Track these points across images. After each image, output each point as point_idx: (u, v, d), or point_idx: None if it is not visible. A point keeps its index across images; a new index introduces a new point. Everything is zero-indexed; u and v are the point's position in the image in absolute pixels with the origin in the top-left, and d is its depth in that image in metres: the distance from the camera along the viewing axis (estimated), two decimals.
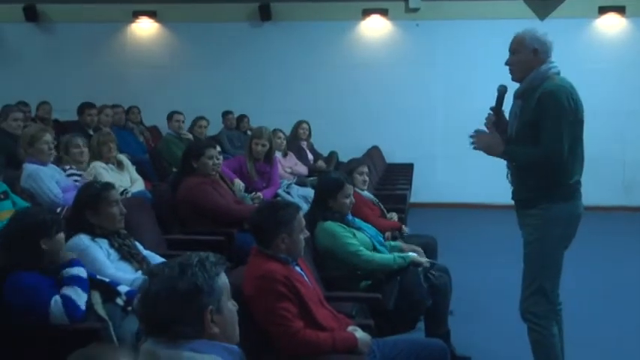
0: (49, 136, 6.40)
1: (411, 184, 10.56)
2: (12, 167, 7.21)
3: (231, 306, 2.46)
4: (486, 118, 4.42)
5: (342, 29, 12.31)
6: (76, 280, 3.93)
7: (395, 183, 9.82)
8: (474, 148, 4.35)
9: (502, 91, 4.43)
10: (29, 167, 6.22)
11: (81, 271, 3.98)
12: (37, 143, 6.28)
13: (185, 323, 2.29)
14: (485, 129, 4.43)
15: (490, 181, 6.59)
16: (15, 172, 6.85)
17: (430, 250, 5.85)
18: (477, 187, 11.45)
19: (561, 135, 4.10)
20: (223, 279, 2.42)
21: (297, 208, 3.96)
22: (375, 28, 12.35)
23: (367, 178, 6.27)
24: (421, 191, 11.25)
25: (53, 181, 6.18)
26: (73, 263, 4.00)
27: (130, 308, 4.03)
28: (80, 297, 3.87)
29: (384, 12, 12.22)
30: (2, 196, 5.71)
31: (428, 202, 11.42)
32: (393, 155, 11.84)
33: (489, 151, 4.31)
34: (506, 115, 4.50)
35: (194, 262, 2.37)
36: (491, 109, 4.42)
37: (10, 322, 3.89)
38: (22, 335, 3.90)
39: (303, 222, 3.92)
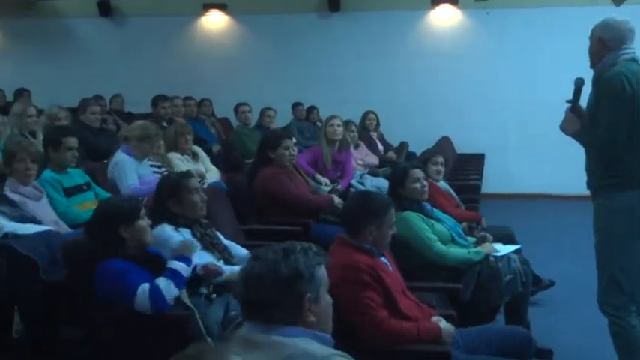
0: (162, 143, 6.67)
1: (482, 174, 10.50)
2: (90, 159, 7.39)
3: (328, 298, 2.48)
4: (565, 112, 4.36)
5: (412, 19, 12.27)
6: (174, 275, 3.98)
7: (466, 174, 9.75)
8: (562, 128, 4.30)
9: (579, 84, 4.34)
10: (119, 156, 6.36)
11: (184, 269, 4.03)
12: (148, 141, 6.46)
13: (283, 308, 2.32)
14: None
15: (564, 170, 6.50)
16: (96, 164, 7.02)
17: (508, 241, 5.80)
18: (550, 177, 11.32)
19: (614, 123, 4.01)
20: (323, 270, 2.45)
21: (391, 203, 3.98)
22: (444, 17, 12.30)
23: (442, 169, 6.25)
24: (493, 182, 11.14)
25: (133, 173, 6.30)
26: (181, 258, 4.06)
27: (213, 296, 4.11)
28: (170, 292, 3.91)
29: (453, 1, 12.15)
30: (85, 187, 5.89)
31: (500, 193, 11.27)
32: (464, 146, 11.73)
33: (565, 126, 4.27)
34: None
35: (297, 248, 2.41)
36: (568, 101, 4.37)
37: (97, 306, 4.01)
38: (110, 321, 3.99)
39: (394, 218, 3.94)
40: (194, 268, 4.16)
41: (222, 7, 12.88)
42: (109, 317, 3.98)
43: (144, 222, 4.16)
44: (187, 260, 4.07)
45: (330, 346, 2.35)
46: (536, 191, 11.58)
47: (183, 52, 13.00)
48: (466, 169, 10.23)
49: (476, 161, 11.03)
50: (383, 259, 3.87)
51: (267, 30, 12.67)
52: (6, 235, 4.74)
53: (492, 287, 4.88)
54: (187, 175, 4.81)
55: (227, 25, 13.00)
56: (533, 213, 10.41)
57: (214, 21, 13.02)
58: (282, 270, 2.34)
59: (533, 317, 5.22)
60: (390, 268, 3.90)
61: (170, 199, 4.63)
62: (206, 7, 12.90)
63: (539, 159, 11.39)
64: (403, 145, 10.57)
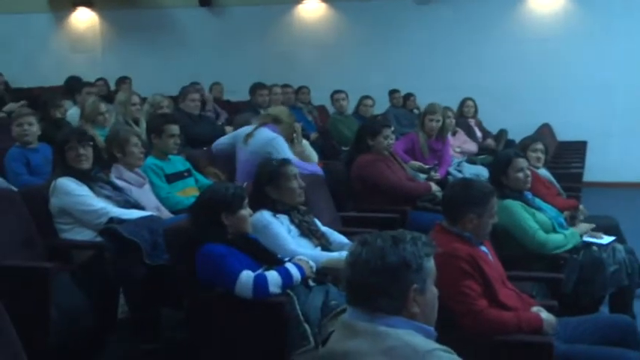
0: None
1: (584, 162, 10.27)
2: (190, 146, 7.52)
3: (434, 290, 2.44)
4: None
5: (512, 3, 12.06)
6: (287, 277, 4.01)
7: (568, 161, 9.57)
8: None
9: None
10: (271, 133, 6.43)
11: (296, 277, 4.03)
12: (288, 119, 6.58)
13: (388, 296, 2.30)
14: None
15: None
16: (196, 151, 7.14)
17: (612, 231, 5.67)
18: None
19: None
20: (431, 262, 2.41)
21: (493, 191, 3.92)
22: (547, 1, 12.01)
23: (542, 156, 6.14)
24: (595, 170, 10.89)
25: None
26: (299, 268, 4.08)
27: (312, 284, 4.14)
28: (275, 286, 3.94)
29: None
30: (186, 174, 6.01)
31: (603, 182, 11.02)
32: (565, 133, 11.48)
33: None
34: None
35: (407, 238, 2.38)
36: None
37: (199, 289, 4.10)
38: (209, 303, 4.09)
39: (495, 207, 3.89)
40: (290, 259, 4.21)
41: None
42: (209, 300, 4.08)
43: (246, 211, 4.22)
44: (302, 272, 4.07)
45: (433, 340, 2.34)
46: None
47: (281, 41, 13.09)
48: (567, 156, 10.05)
49: (578, 149, 10.79)
50: (483, 248, 3.83)
51: (364, 17, 12.64)
52: (111, 219, 4.86)
53: (595, 278, 4.81)
54: (286, 161, 4.86)
55: (324, 12, 13.03)
56: (638, 203, 10.08)
57: (311, 9, 13.06)
58: (390, 258, 2.32)
59: (639, 310, 5.08)
60: (490, 257, 3.85)
61: (269, 185, 4.69)
62: None
63: None
64: (502, 133, 10.42)
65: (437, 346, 2.25)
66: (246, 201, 4.24)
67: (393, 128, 6.71)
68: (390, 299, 2.30)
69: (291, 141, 7.01)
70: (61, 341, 4.29)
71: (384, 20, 12.46)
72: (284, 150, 6.23)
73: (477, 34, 12.02)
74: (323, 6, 12.99)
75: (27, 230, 4.88)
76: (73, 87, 9.91)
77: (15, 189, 5.47)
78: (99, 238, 4.87)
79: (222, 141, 6.80)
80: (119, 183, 5.38)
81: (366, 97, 10.34)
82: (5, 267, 4.40)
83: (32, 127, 6.29)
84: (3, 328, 3.05)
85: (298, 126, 7.29)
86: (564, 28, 11.81)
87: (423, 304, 2.35)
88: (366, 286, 2.32)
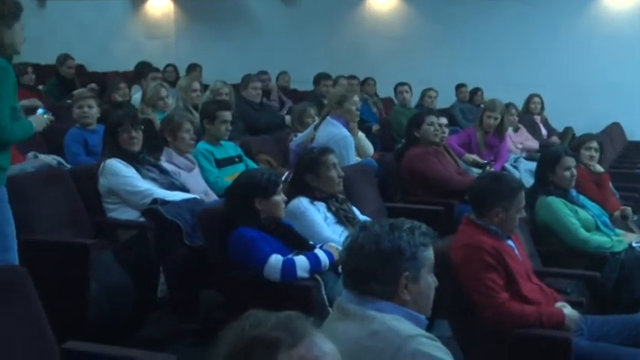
0: (356, 97, 6.56)
1: None
2: (249, 133, 7.64)
3: (430, 280, 2.47)
4: None
5: (584, 1, 11.85)
6: (316, 262, 4.09)
7: (634, 162, 9.40)
8: None
9: None
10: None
11: (325, 262, 4.12)
12: (347, 103, 6.39)
13: (379, 281, 2.35)
14: None
15: None
16: (254, 138, 7.23)
17: None
18: None
19: None
20: (429, 252, 2.45)
21: (521, 186, 3.92)
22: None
23: (595, 154, 6.04)
24: None
25: None
26: (328, 254, 4.15)
27: (340, 269, 4.19)
28: (303, 270, 4.02)
29: None
30: (237, 159, 6.09)
31: None
32: (636, 132, 11.28)
33: None
34: None
35: (404, 226, 2.42)
36: None
37: (228, 270, 4.21)
38: (241, 284, 4.18)
39: (523, 202, 3.88)
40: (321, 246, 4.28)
41: None
42: (241, 281, 4.17)
43: (279, 197, 4.28)
44: (332, 258, 4.14)
45: (423, 328, 2.37)
46: None
47: (350, 32, 13.15)
48: (635, 156, 9.85)
49: None
50: (509, 242, 3.83)
51: (433, 11, 12.61)
52: (155, 200, 4.95)
53: (636, 277, 4.75)
54: (327, 151, 4.89)
55: (394, 5, 13.04)
56: None
57: (382, 1, 13.08)
58: (384, 244, 2.37)
59: None
60: (517, 251, 3.84)
61: (308, 173, 4.75)
62: None
63: None
64: (568, 131, 10.30)
65: (421, 332, 2.28)
66: (281, 187, 4.31)
67: (444, 120, 6.65)
68: (382, 284, 2.35)
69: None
70: (101, 316, 4.39)
71: (452, 15, 12.40)
72: (351, 150, 6.26)
73: (548, 30, 11.85)
74: (394, 0, 12.97)
75: (74, 208, 5.03)
76: (142, 72, 10.14)
77: (68, 167, 5.65)
78: (142, 218, 4.99)
79: (299, 140, 6.55)
80: (168, 166, 5.48)
81: (429, 89, 10.35)
82: (49, 242, 4.55)
83: (92, 109, 6.43)
84: (28, 299, 3.17)
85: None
86: (636, 26, 11.55)
87: (415, 292, 2.39)
88: (360, 270, 2.37)
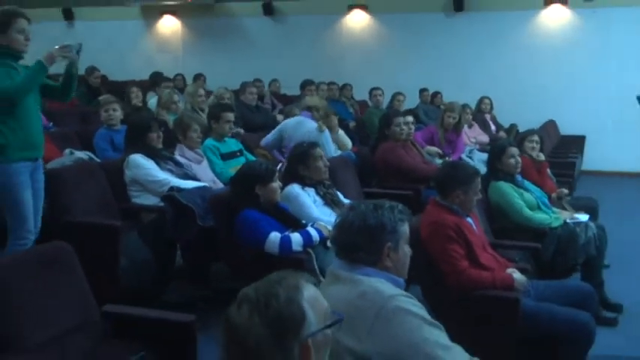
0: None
1: (582, 154, 10.19)
2: (247, 131, 7.65)
3: (406, 249, 2.50)
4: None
5: (525, 17, 11.91)
6: (308, 238, 4.14)
7: (567, 153, 9.50)
8: None
9: None
10: (305, 120, 6.56)
11: (315, 237, 4.16)
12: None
13: (366, 251, 2.37)
14: None
15: None
16: (252, 135, 7.26)
17: (591, 210, 5.68)
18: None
19: None
20: (405, 226, 2.48)
21: (477, 173, 3.96)
22: (555, 16, 11.84)
23: (536, 145, 6.08)
24: (592, 160, 10.81)
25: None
26: (318, 231, 4.19)
27: (330, 245, 4.24)
28: (297, 245, 4.08)
29: (563, 1, 11.70)
30: (239, 153, 6.09)
31: (598, 170, 10.88)
32: (567, 128, 11.37)
33: None
34: None
35: (385, 206, 2.45)
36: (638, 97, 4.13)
37: (235, 246, 4.26)
38: (242, 258, 4.22)
39: (479, 186, 3.92)
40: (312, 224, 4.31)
41: (364, 7, 12.93)
42: (245, 255, 4.20)
43: (276, 184, 4.33)
44: (321, 235, 4.18)
45: (401, 289, 2.39)
46: (630, 169, 11.07)
47: (330, 45, 13.13)
48: (567, 148, 9.94)
49: (577, 142, 10.69)
50: (468, 219, 3.86)
51: (401, 26, 12.59)
52: (172, 188, 4.96)
53: (569, 249, 4.80)
54: (314, 145, 4.92)
55: (367, 22, 13.02)
56: (622, 189, 9.91)
57: (356, 19, 13.07)
58: (369, 220, 2.40)
59: (606, 277, 5.06)
60: (474, 227, 3.88)
61: (300, 163, 4.77)
62: (350, 7, 12.99)
63: (636, 139, 10.87)
64: (512, 127, 10.38)
65: (400, 292, 2.31)
66: (277, 175, 4.35)
67: (411, 119, 6.71)
68: (368, 254, 2.38)
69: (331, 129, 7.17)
70: (130, 285, 4.42)
71: (417, 30, 12.42)
72: (328, 143, 6.36)
73: (496, 43, 11.91)
74: (367, 17, 12.98)
75: (104, 195, 5.04)
76: (156, 81, 10.14)
77: (98, 161, 5.66)
78: (161, 203, 4.97)
79: (269, 138, 6.69)
80: (181, 160, 5.48)
81: (399, 93, 10.32)
82: (84, 223, 4.58)
83: (116, 112, 6.41)
84: (74, 270, 3.21)
85: (335, 120, 7.41)
86: (570, 40, 11.63)
87: (395, 259, 2.42)
88: (350, 243, 2.39)
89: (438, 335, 2.22)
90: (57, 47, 4.24)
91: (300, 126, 6.46)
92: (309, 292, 1.75)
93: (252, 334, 1.65)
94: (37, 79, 4.17)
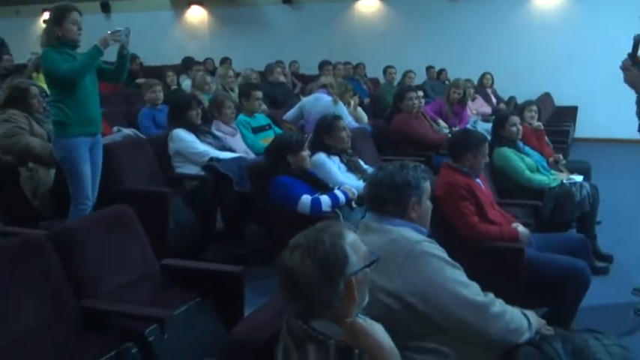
0: None
1: (575, 122, 10.20)
2: (271, 107, 7.76)
3: (428, 204, 2.57)
4: (623, 61, 4.13)
5: (521, 1, 11.88)
6: (335, 199, 4.23)
7: (561, 122, 9.52)
8: (625, 81, 3.97)
9: (637, 39, 4.09)
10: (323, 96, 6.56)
11: (342, 198, 4.25)
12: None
13: (393, 203, 2.45)
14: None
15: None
16: (276, 111, 7.34)
17: (585, 172, 5.76)
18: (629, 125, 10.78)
19: None
20: (427, 183, 2.56)
21: (485, 139, 4.01)
22: None
23: (535, 115, 6.14)
24: (584, 129, 10.82)
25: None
26: (345, 192, 4.29)
27: (354, 205, 4.36)
28: (326, 206, 4.17)
29: None
30: (267, 127, 6.17)
31: (590, 138, 10.88)
32: (561, 99, 11.34)
33: (634, 86, 3.97)
34: None
35: (410, 165, 2.54)
36: (629, 55, 4.13)
37: (268, 209, 4.36)
38: (279, 219, 4.31)
39: (487, 150, 3.97)
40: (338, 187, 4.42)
41: None
42: (279, 216, 4.31)
43: (305, 153, 4.40)
44: (347, 196, 4.28)
45: (425, 236, 2.47)
46: (618, 136, 11.03)
47: (344, 28, 13.13)
48: (561, 118, 9.94)
49: (570, 112, 10.67)
50: (478, 180, 3.93)
51: (408, 10, 12.56)
52: (211, 159, 5.10)
53: (566, 205, 4.87)
54: (338, 117, 5.01)
55: (377, 7, 13.00)
56: (612, 153, 9.89)
57: (368, 4, 13.05)
58: (396, 178, 2.48)
59: (599, 232, 5.16)
60: (483, 186, 3.96)
61: (325, 134, 4.85)
62: None
63: (623, 109, 10.81)
64: (511, 99, 10.41)
65: (424, 238, 2.41)
66: (306, 145, 4.44)
67: (421, 93, 6.80)
68: (395, 207, 2.46)
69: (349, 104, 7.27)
70: (178, 244, 4.54)
71: (424, 13, 12.37)
72: (345, 115, 6.40)
73: (495, 23, 11.85)
74: (377, 2, 12.96)
75: (152, 167, 5.17)
76: (188, 65, 10.25)
77: (143, 137, 5.79)
78: (202, 172, 5.12)
79: (291, 113, 6.71)
80: (217, 133, 5.59)
81: (409, 71, 10.32)
82: (137, 190, 4.70)
83: (160, 93, 6.53)
84: (135, 230, 3.35)
85: (356, 97, 7.52)
86: (562, 18, 11.55)
87: (419, 212, 2.50)
88: (379, 197, 2.48)
89: (458, 274, 2.34)
90: (109, 32, 4.32)
91: (318, 101, 6.55)
92: (350, 237, 1.88)
93: (305, 273, 1.78)
94: (93, 62, 4.27)
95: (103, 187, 4.60)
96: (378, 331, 1.81)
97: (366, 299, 1.89)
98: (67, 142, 4.28)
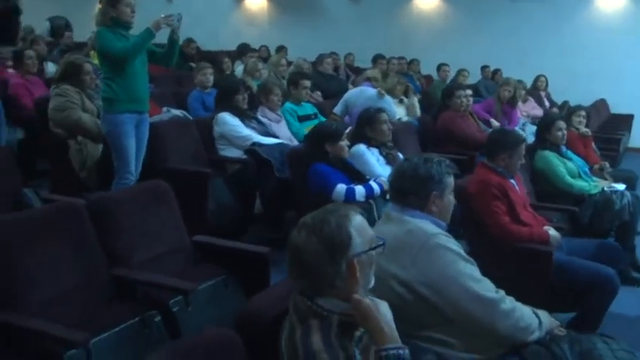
0: None
1: (630, 131, 9.98)
2: (323, 98, 7.83)
3: (451, 198, 2.59)
4: None
5: (582, 3, 11.66)
6: (369, 189, 4.30)
7: (615, 129, 9.32)
8: None
9: None
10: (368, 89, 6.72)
11: (376, 189, 4.32)
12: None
13: (415, 195, 2.49)
14: None
15: None
16: (325, 102, 7.43)
17: (629, 181, 5.68)
18: None
19: None
20: (450, 179, 2.58)
21: (522, 140, 3.97)
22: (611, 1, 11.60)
23: (583, 120, 6.08)
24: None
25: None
26: (380, 184, 4.35)
27: (388, 197, 4.40)
28: (360, 196, 4.24)
29: None
30: (313, 116, 6.23)
31: None
32: (617, 107, 11.08)
33: None
34: None
35: (434, 160, 2.57)
36: None
37: (306, 196, 4.44)
38: (313, 206, 4.37)
39: (524, 152, 3.94)
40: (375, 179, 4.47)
41: None
42: (316, 203, 4.37)
43: (343, 143, 4.46)
44: (382, 188, 4.32)
45: (443, 230, 2.50)
46: None
47: (401, 23, 13.08)
48: (616, 125, 9.74)
49: (626, 120, 10.39)
50: (512, 180, 3.91)
51: (467, 8, 12.45)
52: (254, 143, 5.19)
53: (605, 213, 4.82)
54: (380, 110, 5.04)
55: (436, 4, 12.94)
56: None
57: (428, 1, 13.02)
58: (420, 170, 2.52)
59: (638, 243, 5.07)
60: (517, 188, 3.93)
61: (367, 126, 4.91)
62: None
63: None
64: (565, 103, 10.21)
65: (441, 231, 2.45)
66: (345, 135, 4.49)
67: (469, 91, 6.79)
68: (417, 199, 2.50)
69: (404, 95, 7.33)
70: (217, 225, 4.63)
71: (483, 11, 12.23)
72: (391, 108, 6.46)
73: (553, 25, 11.60)
74: None
75: (197, 148, 5.29)
76: (243, 51, 10.40)
77: (191, 118, 5.90)
78: (244, 156, 5.21)
79: (337, 107, 6.82)
80: (263, 119, 5.68)
81: (463, 69, 10.28)
82: (179, 170, 4.83)
83: (211, 76, 6.64)
84: (170, 205, 3.48)
85: (411, 87, 7.56)
86: (625, 22, 11.25)
87: (440, 205, 2.53)
88: (402, 189, 2.54)
89: (471, 269, 2.38)
90: (162, 16, 4.47)
91: (362, 94, 6.62)
92: (357, 220, 1.96)
93: (309, 251, 1.88)
94: (145, 43, 4.43)
95: (147, 164, 4.76)
96: (383, 311, 1.87)
97: (371, 282, 1.96)
98: (114, 118, 4.46)
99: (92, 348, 2.50)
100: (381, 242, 1.96)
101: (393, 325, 1.87)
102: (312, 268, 1.87)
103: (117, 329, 2.69)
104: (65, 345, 2.42)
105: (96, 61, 5.62)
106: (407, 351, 1.83)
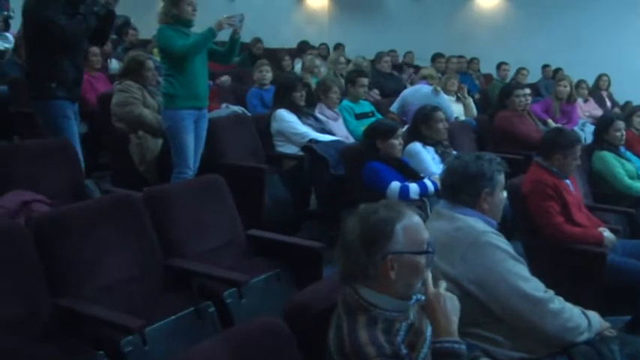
0: None
1: None
2: (381, 96, 7.82)
3: (502, 196, 2.59)
4: None
5: None
6: (423, 188, 4.30)
7: None
8: None
9: None
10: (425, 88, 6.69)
11: (430, 188, 4.31)
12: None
13: (466, 193, 2.50)
14: None
15: None
16: (383, 100, 7.42)
17: None
18: None
19: None
20: (501, 176, 2.58)
21: (578, 140, 3.90)
22: None
23: None
24: None
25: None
26: (434, 183, 4.32)
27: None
28: (414, 193, 4.25)
29: None
30: (371, 114, 6.21)
31: None
32: None
33: None
34: None
35: (485, 157, 2.58)
36: None
37: (364, 192, 4.39)
38: (367, 201, 4.38)
39: (579, 152, 3.87)
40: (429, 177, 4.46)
41: None
42: (370, 201, 4.38)
43: (396, 141, 4.44)
44: (436, 186, 4.29)
45: (494, 228, 2.50)
46: None
47: (461, 22, 12.94)
48: None
49: None
50: (567, 181, 3.86)
51: (529, 5, 12.24)
52: (310, 140, 5.22)
53: None
54: (436, 108, 5.04)
55: (498, 2, 12.77)
56: None
57: (488, 0, 12.89)
58: (470, 168, 2.52)
59: None
60: (572, 188, 3.88)
61: (422, 124, 4.92)
62: None
63: None
64: (627, 104, 9.93)
65: (491, 229, 2.44)
66: (398, 133, 4.47)
67: (528, 90, 6.68)
68: (468, 196, 2.51)
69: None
70: (272, 220, 4.71)
71: (546, 10, 11.95)
72: (447, 106, 6.43)
73: (618, 24, 11.26)
74: None
75: (254, 143, 5.37)
76: (302, 49, 10.49)
77: (249, 115, 5.98)
78: (301, 153, 5.26)
79: (394, 105, 6.81)
80: (320, 116, 5.71)
81: (522, 68, 10.09)
82: (237, 165, 4.91)
83: (268, 73, 6.70)
84: (225, 199, 3.56)
85: (464, 87, 7.49)
86: None
87: (491, 203, 2.53)
88: (453, 186, 2.55)
89: (519, 268, 2.37)
90: (225, 16, 4.56)
91: (417, 92, 6.60)
92: (410, 220, 1.96)
93: (350, 234, 1.92)
94: (206, 42, 4.53)
95: (205, 159, 4.85)
96: (444, 304, 1.92)
97: (414, 285, 1.96)
98: (174, 114, 4.57)
99: (147, 335, 2.58)
100: (430, 250, 1.96)
101: (453, 319, 1.89)
102: (348, 251, 1.92)
103: (172, 318, 2.77)
104: (122, 331, 2.50)
105: (158, 58, 5.76)
106: (463, 346, 1.85)
